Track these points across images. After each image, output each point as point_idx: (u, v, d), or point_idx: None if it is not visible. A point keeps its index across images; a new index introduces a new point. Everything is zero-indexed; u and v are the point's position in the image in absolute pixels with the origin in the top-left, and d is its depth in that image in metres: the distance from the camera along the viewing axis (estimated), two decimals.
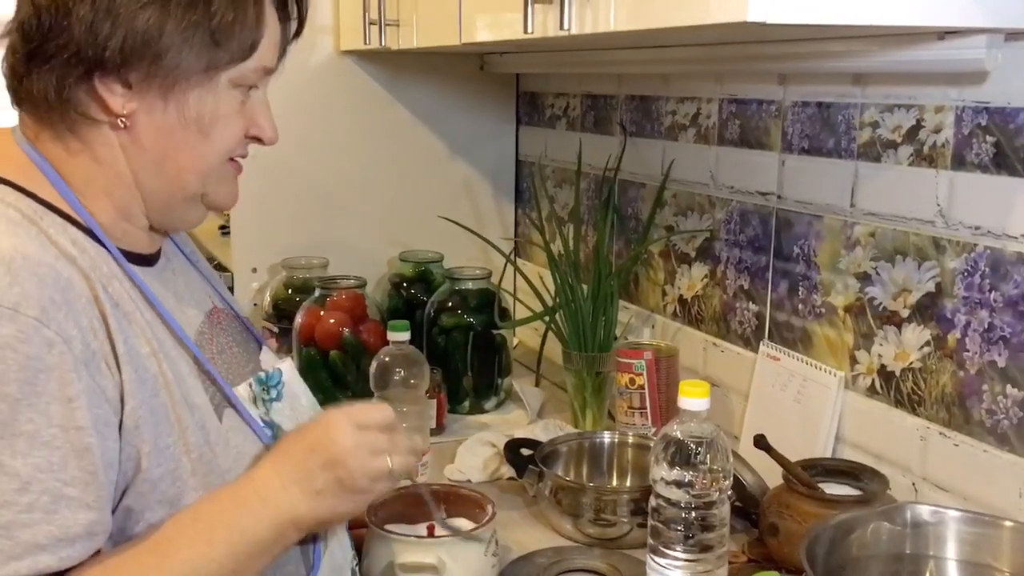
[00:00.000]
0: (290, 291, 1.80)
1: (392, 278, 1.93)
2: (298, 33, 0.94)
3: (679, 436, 1.00)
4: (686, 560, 0.99)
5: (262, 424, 0.90)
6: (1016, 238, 1.03)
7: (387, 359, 1.39)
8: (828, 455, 1.27)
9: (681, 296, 1.61)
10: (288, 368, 0.99)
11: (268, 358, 1.01)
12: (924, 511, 0.93)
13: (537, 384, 1.83)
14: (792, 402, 1.35)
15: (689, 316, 1.59)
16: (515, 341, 2.11)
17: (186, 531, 0.80)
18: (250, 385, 0.92)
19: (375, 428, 0.86)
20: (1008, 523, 0.92)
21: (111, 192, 0.85)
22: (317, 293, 1.65)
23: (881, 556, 0.91)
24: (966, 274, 1.09)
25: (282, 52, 0.92)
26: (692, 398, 0.99)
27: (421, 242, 1.97)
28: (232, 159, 0.89)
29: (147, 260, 0.90)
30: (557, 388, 1.79)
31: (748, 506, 1.24)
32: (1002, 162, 1.04)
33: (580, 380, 1.60)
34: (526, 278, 1.68)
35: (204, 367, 0.86)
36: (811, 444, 1.29)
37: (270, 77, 0.90)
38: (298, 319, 1.64)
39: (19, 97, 0.83)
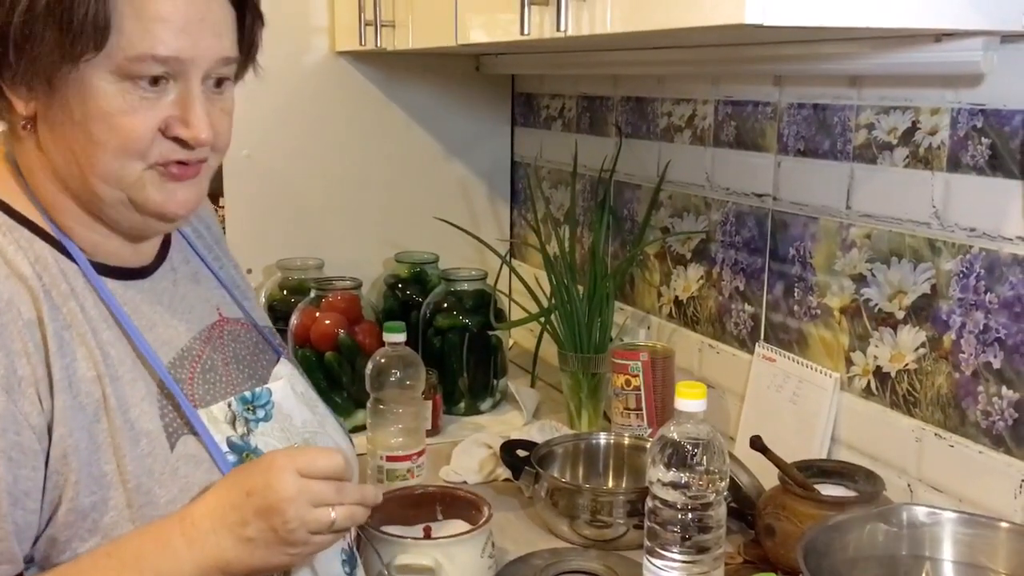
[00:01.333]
0: (285, 292, 1.80)
1: (387, 279, 1.92)
2: (259, 21, 0.86)
3: (675, 437, 1.00)
4: (682, 562, 0.99)
5: (225, 450, 0.84)
6: (1011, 240, 1.03)
7: (383, 360, 1.39)
8: (824, 456, 1.27)
9: (677, 297, 1.61)
10: (281, 387, 0.93)
11: (284, 370, 0.96)
12: (920, 512, 0.93)
13: (533, 385, 1.83)
14: (788, 403, 1.35)
15: (685, 317, 1.60)
16: (511, 342, 2.11)
17: (99, 564, 0.76)
18: (229, 405, 0.86)
19: (321, 476, 0.79)
20: (1004, 524, 0.92)
21: (55, 200, 0.81)
22: (312, 294, 1.65)
23: (877, 557, 0.91)
24: (961, 276, 1.09)
25: (250, 45, 0.85)
26: (689, 399, 0.99)
27: (417, 243, 1.97)
28: (163, 164, 0.79)
29: (137, 272, 0.87)
30: (553, 389, 1.79)
31: (744, 507, 1.25)
32: (997, 164, 1.05)
33: (576, 381, 1.60)
34: (521, 279, 1.68)
35: (167, 389, 0.82)
36: (807, 445, 1.30)
37: (198, 69, 0.78)
38: (293, 320, 1.63)
39: None
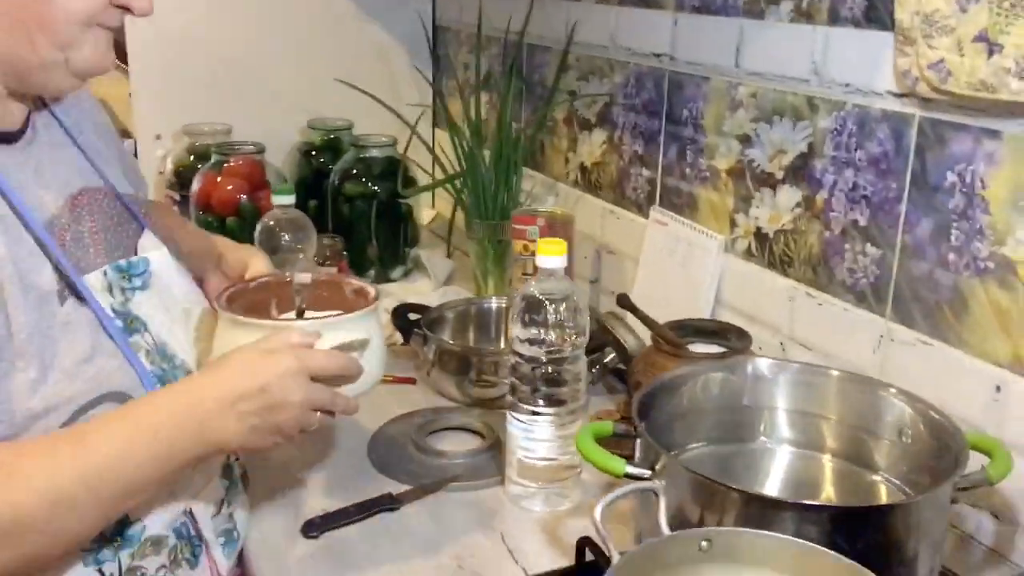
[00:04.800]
0: (192, 158, 1.76)
1: (301, 147, 1.89)
2: None
3: (535, 294, 1.00)
4: (540, 415, 1.01)
5: (112, 315, 0.84)
6: (881, 95, 1.02)
7: (271, 223, 1.36)
8: (708, 317, 1.29)
9: (582, 163, 1.60)
10: (160, 257, 0.93)
11: (148, 242, 0.95)
12: (763, 364, 0.95)
13: (449, 255, 1.82)
14: (678, 266, 1.35)
15: (589, 183, 1.58)
16: (433, 213, 2.10)
17: (113, 428, 0.78)
18: (104, 273, 0.86)
19: (327, 379, 0.85)
20: (835, 372, 0.94)
21: None
22: (213, 159, 1.62)
23: (717, 407, 0.93)
24: (835, 133, 1.08)
25: None
26: (548, 256, 0.99)
27: (336, 111, 1.92)
28: (103, 27, 0.83)
29: (8, 137, 0.84)
30: (467, 258, 1.79)
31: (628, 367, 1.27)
32: (873, 15, 1.02)
33: (482, 248, 1.60)
34: (427, 145, 1.65)
35: (49, 251, 0.81)
36: (694, 307, 1.31)
37: None
38: (195, 185, 1.61)
39: None
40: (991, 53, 0.83)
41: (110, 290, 0.86)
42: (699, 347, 1.16)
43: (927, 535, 0.79)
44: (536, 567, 0.94)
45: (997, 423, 0.93)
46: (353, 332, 0.91)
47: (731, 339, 1.16)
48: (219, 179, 1.59)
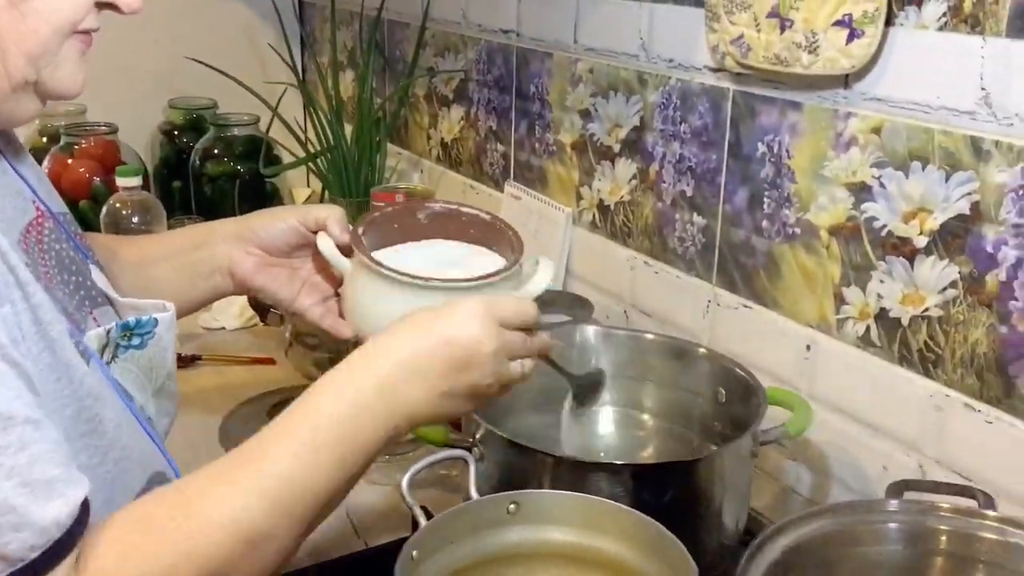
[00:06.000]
0: (45, 140, 1.71)
1: (163, 126, 1.85)
2: None
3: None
4: None
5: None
6: (700, 70, 1.06)
7: (117, 206, 1.35)
8: (559, 289, 1.32)
9: (443, 139, 1.61)
10: (169, 319, 0.75)
11: (101, 279, 0.76)
12: (590, 331, 0.99)
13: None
14: (531, 239, 1.38)
15: (450, 159, 1.60)
16: (308, 192, 2.08)
17: (292, 431, 0.64)
18: (108, 332, 0.69)
19: (516, 327, 0.71)
20: (650, 336, 0.99)
21: None
22: (63, 141, 1.57)
23: (545, 375, 0.96)
24: (662, 107, 1.12)
25: None
26: None
27: (201, 89, 1.88)
28: (83, 32, 0.66)
29: None
30: None
31: None
32: None
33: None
34: (285, 123, 1.63)
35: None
36: None
37: None
38: (44, 168, 1.55)
39: None
40: (783, 28, 0.88)
41: (103, 350, 0.70)
42: (547, 318, 1.19)
43: (731, 486, 0.84)
44: (378, 540, 0.96)
45: (809, 380, 0.99)
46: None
47: (575, 309, 1.20)
48: (70, 161, 1.55)
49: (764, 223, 1.01)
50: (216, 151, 1.69)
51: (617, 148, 1.21)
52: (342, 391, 0.66)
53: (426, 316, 0.69)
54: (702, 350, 0.94)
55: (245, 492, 0.60)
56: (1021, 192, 0.77)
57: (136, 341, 0.73)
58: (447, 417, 0.72)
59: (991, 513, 0.72)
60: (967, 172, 0.81)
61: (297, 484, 0.61)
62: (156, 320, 0.73)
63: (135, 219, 1.35)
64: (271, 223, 0.86)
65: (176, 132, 1.82)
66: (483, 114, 1.48)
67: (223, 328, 1.44)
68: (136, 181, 1.34)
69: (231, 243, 0.86)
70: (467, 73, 1.50)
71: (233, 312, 1.46)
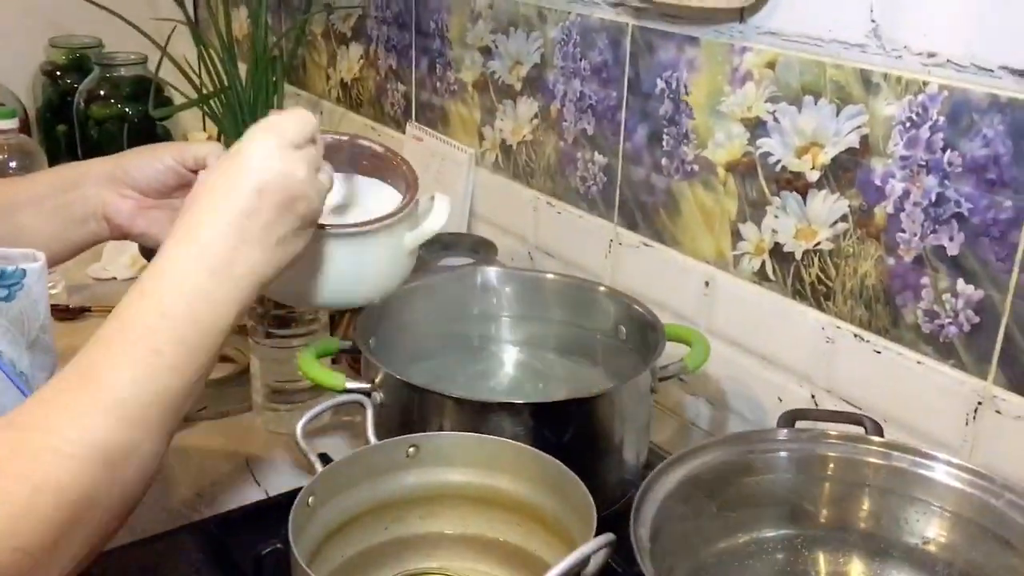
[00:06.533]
0: None
1: (44, 67, 1.74)
2: None
3: None
4: (275, 336, 1.00)
5: None
6: (599, 4, 1.04)
7: None
8: (464, 231, 1.30)
9: (342, 79, 1.56)
10: (40, 269, 0.71)
11: None
12: (491, 273, 0.97)
13: None
14: (434, 182, 1.36)
15: (351, 100, 1.55)
16: (205, 135, 2.00)
17: (150, 323, 0.59)
18: None
19: (308, 140, 0.67)
20: (551, 276, 0.98)
21: None
22: None
23: (447, 318, 0.95)
24: (562, 44, 1.10)
25: None
26: None
27: (85, 27, 1.77)
28: None
29: None
30: None
31: None
32: None
33: None
34: (176, 64, 1.56)
35: None
36: (450, 221, 1.32)
37: None
38: None
39: None
40: None
41: None
42: (450, 260, 1.18)
43: (630, 421, 0.85)
44: (279, 488, 0.95)
45: (708, 316, 1.00)
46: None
47: (479, 252, 1.19)
48: None
49: (663, 161, 1.01)
50: (102, 92, 1.61)
51: (519, 87, 1.19)
52: (178, 286, 0.61)
53: (222, 177, 0.64)
54: (602, 288, 0.94)
55: (90, 412, 0.56)
56: (908, 125, 0.78)
57: (3, 293, 0.68)
58: (290, 260, 0.67)
59: (876, 439, 0.75)
60: (857, 106, 0.82)
61: (144, 393, 0.58)
62: (24, 271, 0.68)
63: (12, 164, 1.28)
64: (147, 163, 0.81)
65: (59, 73, 1.72)
66: (383, 52, 1.44)
67: (114, 278, 1.38)
68: (11, 124, 1.26)
69: (104, 185, 0.80)
70: (365, 9, 1.45)
71: (124, 262, 1.40)
